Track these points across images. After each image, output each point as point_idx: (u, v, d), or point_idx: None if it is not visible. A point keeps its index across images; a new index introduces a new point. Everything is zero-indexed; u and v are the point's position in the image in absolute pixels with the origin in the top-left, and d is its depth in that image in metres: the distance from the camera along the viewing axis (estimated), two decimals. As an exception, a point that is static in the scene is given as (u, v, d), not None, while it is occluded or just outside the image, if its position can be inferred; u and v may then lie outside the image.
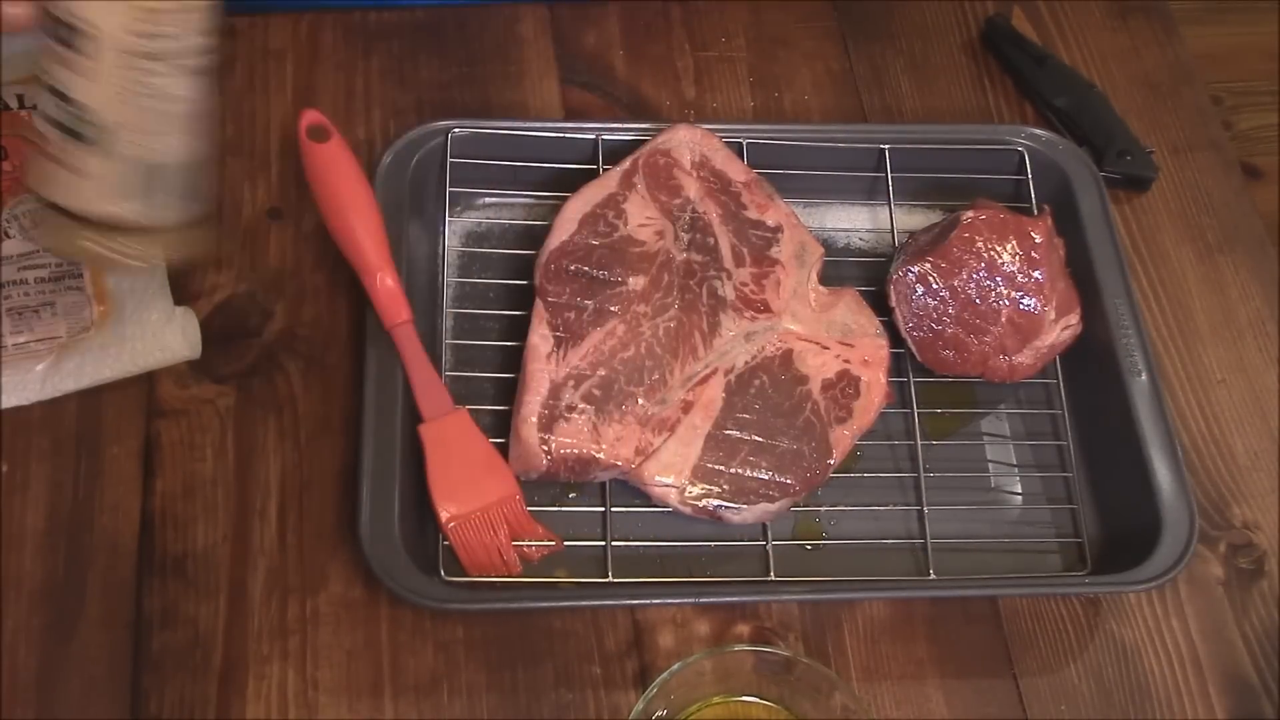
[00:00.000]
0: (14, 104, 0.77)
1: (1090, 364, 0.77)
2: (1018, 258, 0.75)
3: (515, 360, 0.72)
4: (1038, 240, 0.75)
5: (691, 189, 0.77)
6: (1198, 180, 0.88)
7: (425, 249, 0.78)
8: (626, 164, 0.77)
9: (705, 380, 0.72)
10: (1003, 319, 0.75)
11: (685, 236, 0.76)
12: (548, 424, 0.69)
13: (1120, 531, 0.74)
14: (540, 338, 0.71)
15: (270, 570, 0.68)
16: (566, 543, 0.70)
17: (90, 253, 0.60)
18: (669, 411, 0.71)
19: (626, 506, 0.72)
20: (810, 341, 0.74)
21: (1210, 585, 0.74)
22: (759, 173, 0.79)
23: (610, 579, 0.69)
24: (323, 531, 0.70)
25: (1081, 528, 0.74)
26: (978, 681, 0.69)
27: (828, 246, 0.80)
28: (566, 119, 0.84)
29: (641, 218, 0.75)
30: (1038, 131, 0.84)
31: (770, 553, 0.71)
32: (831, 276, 0.78)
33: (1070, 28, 0.93)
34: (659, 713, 0.62)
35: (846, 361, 0.74)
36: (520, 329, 0.73)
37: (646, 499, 0.71)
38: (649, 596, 0.69)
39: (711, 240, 0.76)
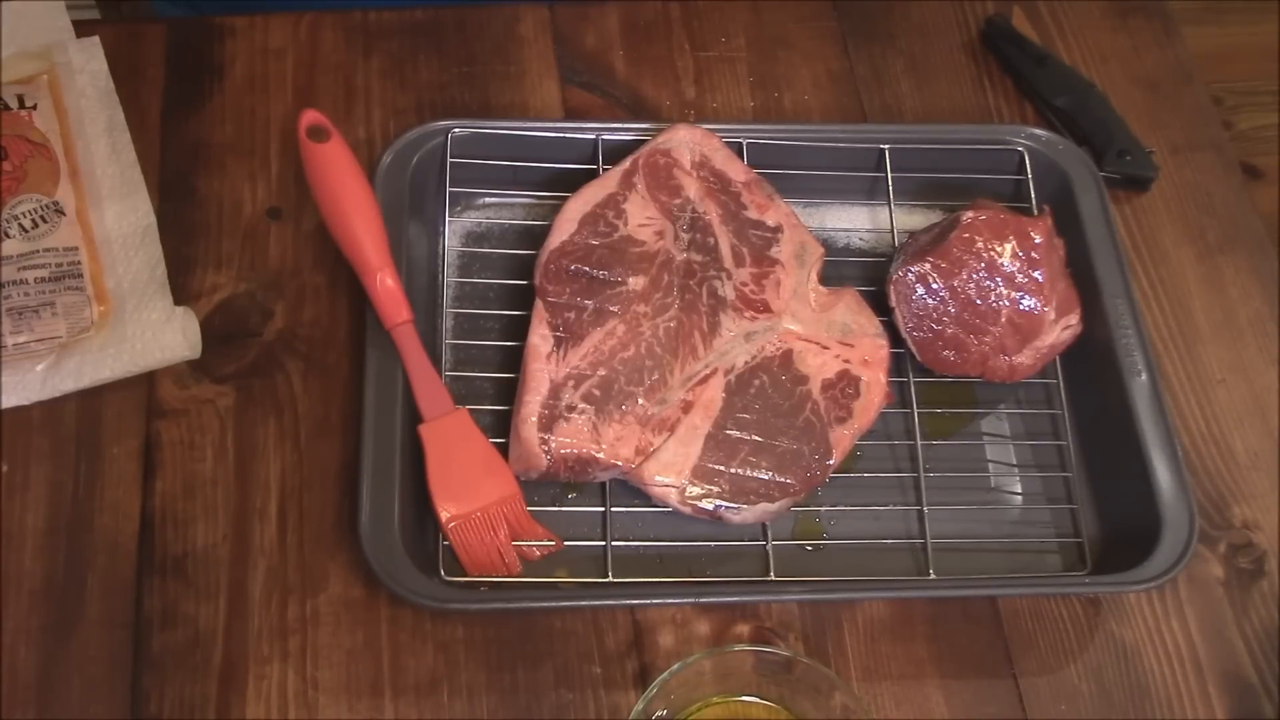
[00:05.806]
0: (14, 104, 0.77)
1: (1090, 364, 0.77)
2: (1018, 258, 0.75)
3: (515, 360, 0.72)
4: (1038, 240, 0.75)
5: (691, 189, 0.77)
6: (1198, 180, 0.88)
7: (425, 249, 0.78)
8: (626, 164, 0.77)
9: (705, 380, 0.72)
10: (1003, 319, 0.75)
11: (685, 236, 0.76)
12: (548, 424, 0.69)
13: (1120, 531, 0.74)
14: (540, 338, 0.71)
15: (270, 570, 0.68)
16: (566, 543, 0.70)
17: None
18: (669, 411, 0.71)
19: (626, 506, 0.72)
20: (810, 341, 0.74)
21: (1210, 585, 0.74)
22: (759, 173, 0.79)
23: (610, 579, 0.69)
24: (323, 531, 0.70)
25: (1081, 528, 0.74)
26: (978, 681, 0.69)
27: (828, 246, 0.80)
28: (566, 119, 0.84)
29: (641, 218, 0.75)
30: (1038, 131, 0.84)
31: (770, 553, 0.71)
32: (831, 276, 0.78)
33: (1070, 28, 0.93)
34: (659, 713, 0.62)
35: (846, 361, 0.74)
36: (520, 329, 0.73)
37: (646, 499, 0.71)
38: (649, 596, 0.69)
39: (711, 240, 0.76)
